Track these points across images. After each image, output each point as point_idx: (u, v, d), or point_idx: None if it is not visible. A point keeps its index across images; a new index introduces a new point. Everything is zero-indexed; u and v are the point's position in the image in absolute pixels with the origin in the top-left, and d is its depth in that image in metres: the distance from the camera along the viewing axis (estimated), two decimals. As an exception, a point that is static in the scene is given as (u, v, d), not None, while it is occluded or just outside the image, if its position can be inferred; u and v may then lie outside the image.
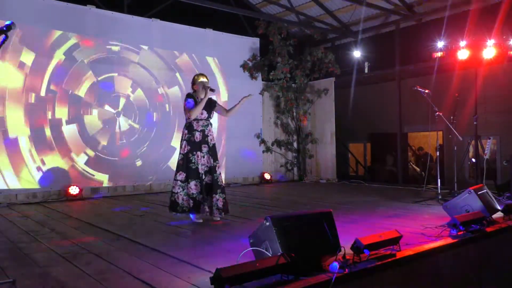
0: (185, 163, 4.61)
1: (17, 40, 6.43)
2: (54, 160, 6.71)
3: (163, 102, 7.92)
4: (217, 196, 4.61)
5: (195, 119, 4.65)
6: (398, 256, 3.01)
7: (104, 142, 7.20)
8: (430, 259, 3.24)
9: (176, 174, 4.65)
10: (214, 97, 5.08)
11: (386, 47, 9.35)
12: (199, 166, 4.59)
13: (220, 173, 4.74)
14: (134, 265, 2.99)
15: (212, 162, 4.65)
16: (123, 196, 7.06)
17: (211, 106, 4.79)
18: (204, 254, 3.25)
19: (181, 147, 4.68)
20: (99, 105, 7.19)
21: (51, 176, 6.66)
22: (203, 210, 4.58)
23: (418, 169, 9.76)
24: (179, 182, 4.60)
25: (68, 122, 6.88)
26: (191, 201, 4.58)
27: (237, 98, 5.00)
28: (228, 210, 4.75)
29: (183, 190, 4.58)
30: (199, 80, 4.70)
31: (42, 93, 6.67)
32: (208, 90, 4.61)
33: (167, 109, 7.98)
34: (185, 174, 4.60)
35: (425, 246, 3.29)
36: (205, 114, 4.70)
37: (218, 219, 4.66)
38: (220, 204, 4.62)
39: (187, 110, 4.63)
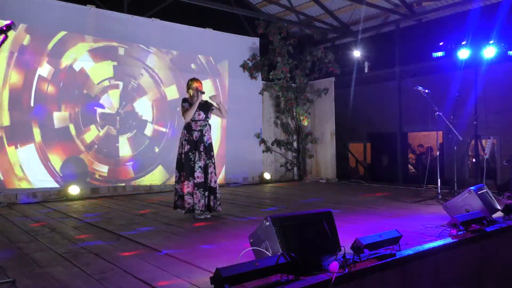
0: (185, 162, 4.80)
1: (17, 40, 6.42)
2: (53, 160, 6.71)
3: (161, 101, 7.91)
4: (206, 194, 4.81)
5: (193, 120, 4.88)
6: (398, 256, 3.01)
7: (104, 142, 7.19)
8: (430, 259, 3.24)
9: (180, 174, 4.87)
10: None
11: (386, 47, 9.35)
12: (196, 165, 4.77)
13: (212, 172, 4.88)
14: (134, 265, 2.99)
15: (206, 161, 4.85)
16: (123, 196, 7.06)
17: (207, 107, 5.01)
18: (204, 254, 3.25)
19: (180, 147, 4.90)
20: (98, 105, 7.18)
21: (51, 175, 6.66)
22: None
23: (414, 170, 9.73)
24: (186, 182, 4.79)
25: (68, 122, 6.87)
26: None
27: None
28: (217, 209, 4.89)
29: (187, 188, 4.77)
30: (193, 85, 4.97)
31: (42, 94, 6.67)
32: (199, 93, 4.84)
33: (165, 109, 7.97)
34: (185, 172, 4.79)
35: (425, 246, 3.29)
36: (202, 115, 4.92)
37: (209, 216, 4.84)
38: (210, 202, 4.83)
39: (183, 113, 4.89)
